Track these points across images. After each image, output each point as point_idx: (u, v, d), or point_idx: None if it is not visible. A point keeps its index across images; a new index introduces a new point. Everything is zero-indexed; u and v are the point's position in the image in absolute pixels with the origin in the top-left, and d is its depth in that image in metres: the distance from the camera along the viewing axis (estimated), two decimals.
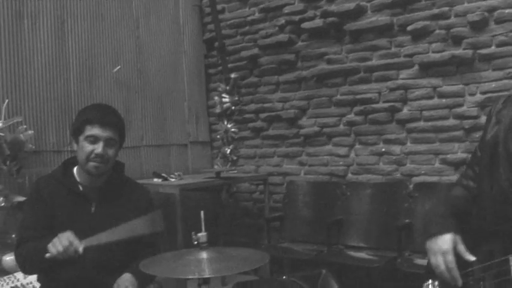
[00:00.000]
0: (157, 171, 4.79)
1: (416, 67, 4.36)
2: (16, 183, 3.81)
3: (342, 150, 4.83)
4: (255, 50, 5.34)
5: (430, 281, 1.97)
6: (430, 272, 2.00)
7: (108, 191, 2.50)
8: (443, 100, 4.24)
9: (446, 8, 4.16)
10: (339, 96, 4.81)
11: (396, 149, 4.52)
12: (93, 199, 2.47)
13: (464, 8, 4.07)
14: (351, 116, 4.76)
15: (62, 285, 2.40)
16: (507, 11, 3.90)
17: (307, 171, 5.08)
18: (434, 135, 4.31)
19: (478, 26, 4.01)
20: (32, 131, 3.87)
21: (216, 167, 5.55)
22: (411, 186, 4.37)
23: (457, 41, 4.12)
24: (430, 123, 4.32)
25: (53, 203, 2.43)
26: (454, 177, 4.17)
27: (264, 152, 5.40)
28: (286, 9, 5.04)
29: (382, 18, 4.48)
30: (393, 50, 4.48)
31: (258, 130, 5.42)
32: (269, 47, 5.23)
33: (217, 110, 5.59)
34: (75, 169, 2.55)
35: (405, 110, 4.45)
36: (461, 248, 1.86)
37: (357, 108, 4.71)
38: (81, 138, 2.42)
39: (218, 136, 5.67)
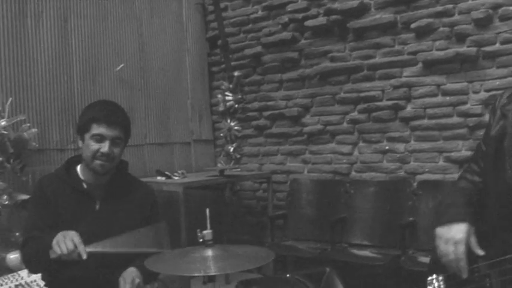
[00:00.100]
0: (160, 169, 4.79)
1: (420, 65, 4.35)
2: (20, 181, 3.81)
3: (346, 148, 4.82)
4: (258, 48, 5.33)
5: (434, 276, 1.95)
6: (433, 267, 1.99)
7: (113, 188, 2.50)
8: (447, 98, 4.23)
9: (450, 6, 4.14)
10: (342, 94, 4.81)
11: (400, 147, 4.51)
12: (97, 197, 2.46)
13: (469, 5, 4.06)
14: (355, 114, 4.75)
15: (66, 284, 2.39)
16: None
17: (311, 170, 5.07)
18: (438, 133, 4.30)
19: (482, 24, 4.00)
20: (36, 129, 3.88)
21: (219, 165, 5.54)
22: (415, 184, 4.36)
23: (461, 38, 4.11)
24: (434, 121, 4.31)
25: (57, 202, 2.42)
26: (457, 176, 4.13)
27: (267, 150, 5.40)
28: (290, 7, 5.03)
29: (385, 16, 4.47)
30: (397, 47, 4.47)
31: (261, 128, 5.41)
32: (272, 45, 5.23)
33: (221, 108, 5.59)
34: (78, 167, 2.54)
35: (409, 108, 4.44)
36: (473, 240, 1.83)
37: (360, 106, 4.70)
38: (87, 136, 2.41)
39: (221, 134, 5.67)
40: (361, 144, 4.75)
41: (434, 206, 4.13)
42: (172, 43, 5.37)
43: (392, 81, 4.49)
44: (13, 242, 3.60)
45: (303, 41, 5.05)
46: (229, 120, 5.57)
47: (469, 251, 1.82)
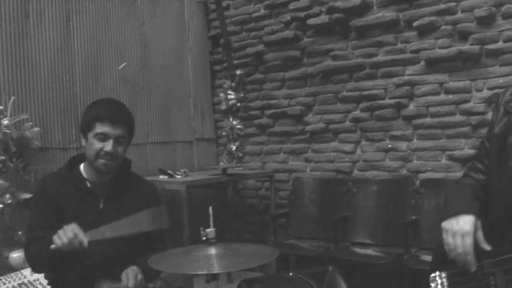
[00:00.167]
0: (162, 168, 4.79)
1: (422, 63, 4.34)
2: (22, 180, 3.81)
3: (348, 147, 4.82)
4: (261, 47, 5.33)
5: (437, 273, 1.95)
6: (436, 264, 1.98)
7: (116, 187, 2.49)
8: (450, 96, 4.22)
9: (453, 4, 4.13)
10: (344, 93, 4.80)
11: (402, 145, 4.50)
12: (101, 195, 2.46)
13: (471, 3, 4.04)
14: (357, 113, 4.74)
15: (70, 283, 2.39)
16: None
17: (313, 168, 5.07)
18: (440, 132, 4.29)
19: (485, 21, 3.99)
20: (38, 128, 3.87)
21: (221, 164, 5.54)
22: (418, 182, 4.36)
23: (463, 36, 4.10)
24: (436, 120, 4.30)
25: (60, 201, 2.41)
26: (460, 174, 4.12)
27: (269, 148, 5.39)
28: (292, 6, 5.03)
29: (388, 14, 4.47)
30: (399, 46, 4.46)
31: (263, 127, 5.41)
32: (274, 44, 5.22)
33: (223, 106, 5.58)
34: (81, 166, 2.53)
35: (411, 106, 4.43)
36: (480, 234, 1.82)
37: (362, 105, 4.69)
38: (91, 135, 2.39)
39: (224, 133, 5.66)
40: (363, 142, 4.74)
41: (437, 205, 4.12)
42: (174, 42, 5.37)
43: (395, 80, 4.48)
44: (16, 240, 3.61)
45: (305, 40, 5.04)
46: (231, 119, 5.57)
47: (476, 247, 1.81)
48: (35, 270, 2.58)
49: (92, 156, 2.40)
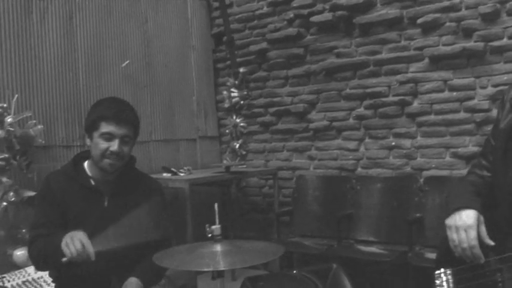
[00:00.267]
0: (166, 166, 4.79)
1: (426, 60, 4.33)
2: (26, 178, 3.81)
3: (352, 144, 4.81)
4: (264, 44, 5.32)
5: (442, 270, 1.94)
6: (441, 261, 1.98)
7: (121, 184, 2.49)
8: (454, 93, 4.21)
9: (457, 0, 4.12)
10: (348, 90, 4.79)
11: (406, 142, 4.49)
12: (105, 193, 2.45)
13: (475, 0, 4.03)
14: (361, 110, 4.73)
15: (73, 280, 2.39)
16: None
17: (317, 166, 5.06)
18: (445, 129, 4.28)
19: (490, 18, 3.97)
20: (42, 126, 3.87)
21: (225, 161, 5.53)
22: (422, 180, 4.34)
23: (468, 33, 4.09)
24: (440, 117, 4.29)
25: (65, 199, 2.41)
26: (464, 171, 4.10)
27: (273, 146, 5.39)
28: (295, 3, 5.01)
29: (391, 11, 4.45)
30: (403, 43, 4.45)
31: (267, 124, 5.40)
32: (278, 41, 5.21)
33: (226, 104, 5.57)
34: (85, 163, 2.53)
35: (415, 104, 4.42)
36: (483, 229, 1.81)
37: (366, 102, 4.68)
38: (96, 134, 2.38)
39: (227, 131, 5.65)
40: (367, 140, 4.73)
41: (441, 202, 4.11)
42: (177, 40, 5.36)
43: (399, 77, 4.47)
44: (19, 238, 3.61)
45: (308, 37, 5.03)
46: (234, 117, 5.56)
47: (480, 242, 1.80)
48: (39, 268, 2.57)
49: (98, 156, 2.38)
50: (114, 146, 2.36)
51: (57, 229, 2.31)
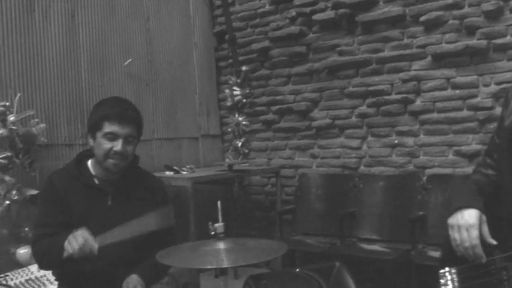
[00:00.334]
0: (168, 164, 4.78)
1: (429, 58, 4.32)
2: (28, 176, 3.80)
3: (354, 143, 4.80)
4: (266, 43, 5.31)
5: (447, 269, 1.93)
6: (445, 259, 1.97)
7: (125, 183, 2.48)
8: (457, 91, 4.20)
9: None
10: (350, 88, 4.78)
11: (409, 140, 4.48)
12: (109, 192, 2.44)
13: None
14: (363, 108, 4.73)
15: (77, 279, 2.38)
16: None
17: (319, 164, 5.06)
18: (447, 127, 4.27)
19: (493, 16, 3.96)
20: (44, 125, 3.86)
21: (227, 160, 5.53)
22: (424, 178, 4.33)
23: (471, 31, 4.08)
24: (443, 115, 4.28)
25: (68, 198, 2.39)
26: (468, 169, 4.14)
27: (275, 144, 5.38)
28: (297, 1, 5.01)
29: (394, 9, 4.44)
30: (406, 41, 4.44)
31: (269, 123, 5.40)
32: (280, 39, 5.20)
33: (228, 103, 5.57)
34: (89, 162, 2.51)
35: (418, 102, 4.41)
36: (485, 229, 1.81)
37: (369, 100, 4.68)
38: (99, 134, 2.36)
39: (229, 129, 5.65)
40: (370, 138, 4.73)
41: (444, 200, 4.11)
42: (180, 38, 5.36)
43: (401, 75, 4.46)
44: (22, 237, 3.61)
45: (311, 35, 5.02)
46: (237, 115, 5.56)
47: (482, 241, 1.79)
48: (43, 267, 2.57)
49: (101, 156, 2.37)
50: (118, 146, 2.34)
51: (60, 228, 2.30)
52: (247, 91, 5.46)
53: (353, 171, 4.81)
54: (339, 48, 4.81)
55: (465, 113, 4.17)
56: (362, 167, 4.77)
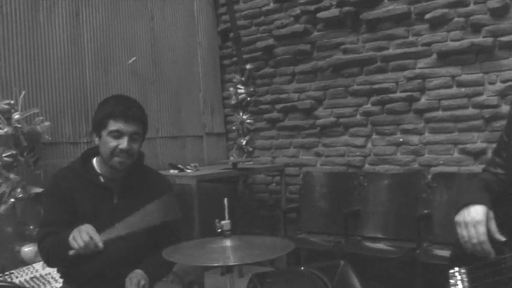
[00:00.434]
0: (173, 162, 4.78)
1: (434, 56, 4.30)
2: (33, 174, 3.80)
3: (359, 141, 4.79)
4: (270, 41, 5.31)
5: (456, 268, 1.92)
6: (455, 259, 1.96)
7: (130, 181, 2.47)
8: (462, 89, 4.19)
9: None
10: (355, 86, 4.77)
11: (414, 139, 4.47)
12: (115, 190, 2.43)
13: None
14: (368, 106, 4.72)
15: (82, 276, 2.38)
16: None
17: (324, 162, 5.05)
18: (453, 125, 4.26)
19: (499, 13, 3.94)
20: (49, 123, 3.87)
21: (231, 158, 5.52)
22: (429, 176, 4.32)
23: (476, 28, 4.06)
24: (448, 113, 4.27)
25: (74, 196, 2.39)
26: (473, 168, 4.13)
27: (280, 143, 5.37)
28: None
29: (399, 7, 4.43)
30: (410, 38, 4.43)
31: (273, 121, 5.39)
32: (284, 38, 5.20)
33: (233, 101, 5.56)
34: (94, 160, 2.51)
35: (423, 100, 4.40)
36: (493, 225, 1.79)
37: (373, 98, 4.67)
38: (104, 133, 2.35)
39: (233, 127, 5.64)
40: (374, 136, 4.72)
41: (449, 199, 4.10)
42: (184, 36, 5.36)
43: (406, 73, 4.45)
44: (27, 235, 3.61)
45: (315, 33, 5.02)
46: (241, 113, 5.55)
47: (491, 239, 1.78)
48: (49, 265, 2.56)
49: (107, 155, 2.36)
50: (123, 143, 2.33)
51: (66, 226, 2.30)
52: (252, 89, 5.45)
53: (357, 170, 4.80)
54: (343, 46, 4.80)
55: (470, 111, 4.16)
56: (367, 165, 4.77)
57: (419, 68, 4.39)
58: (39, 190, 3.61)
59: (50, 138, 3.90)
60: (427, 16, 4.26)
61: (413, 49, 4.40)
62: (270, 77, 5.38)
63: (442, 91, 4.28)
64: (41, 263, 3.22)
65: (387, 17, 4.50)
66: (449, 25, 4.19)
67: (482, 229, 1.77)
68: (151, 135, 4.88)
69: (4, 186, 3.53)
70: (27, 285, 3.10)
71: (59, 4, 4.20)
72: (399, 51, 4.47)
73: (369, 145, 4.75)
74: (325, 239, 4.57)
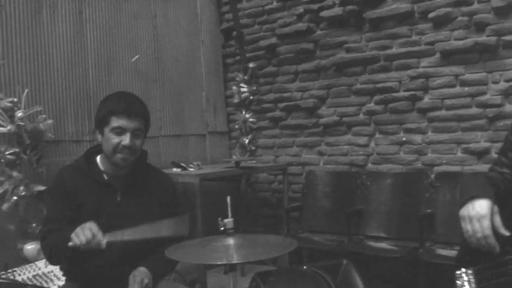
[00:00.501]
0: (175, 161, 4.78)
1: (437, 55, 4.30)
2: (36, 172, 3.80)
3: (362, 140, 4.79)
4: (273, 39, 5.30)
5: (463, 269, 1.91)
6: (462, 260, 1.95)
7: (133, 179, 2.47)
8: (466, 88, 4.18)
9: None
10: (358, 85, 4.77)
11: (417, 138, 4.46)
12: (118, 188, 2.43)
13: None
14: (371, 105, 4.71)
15: (86, 276, 2.38)
16: None
17: (327, 161, 5.04)
18: (456, 124, 4.25)
19: (503, 12, 3.93)
20: (52, 121, 3.87)
21: (234, 157, 5.52)
22: (432, 176, 4.32)
23: (480, 27, 4.05)
24: (452, 112, 4.26)
25: (77, 194, 2.39)
26: (476, 167, 4.13)
27: (282, 141, 5.37)
28: None
29: (402, 6, 4.42)
30: (414, 37, 4.42)
31: (276, 120, 5.39)
32: (287, 36, 5.19)
33: (235, 100, 5.56)
34: (98, 158, 2.51)
35: (426, 99, 4.39)
36: (498, 219, 1.77)
37: (376, 97, 4.66)
38: (107, 129, 2.36)
39: (236, 126, 5.65)
40: (377, 135, 4.71)
41: (453, 198, 4.09)
42: (187, 35, 5.35)
43: (410, 72, 4.44)
44: (30, 233, 3.61)
45: (318, 32, 5.01)
46: (244, 112, 5.55)
47: (496, 233, 1.77)
48: (52, 263, 2.56)
49: (110, 151, 2.36)
50: (126, 139, 2.34)
51: (69, 224, 2.29)
52: (255, 88, 5.45)
53: (360, 169, 4.79)
54: (346, 45, 4.79)
55: (474, 110, 4.15)
56: (370, 165, 4.76)
57: (423, 67, 4.38)
58: (42, 188, 3.61)
59: (53, 136, 3.91)
60: (431, 15, 4.25)
61: (416, 48, 4.39)
62: (273, 75, 5.38)
63: (446, 90, 4.27)
64: (44, 260, 3.22)
65: (390, 15, 4.49)
66: (453, 24, 4.18)
67: (486, 223, 1.75)
68: (154, 133, 4.88)
69: (7, 184, 3.53)
70: (30, 283, 3.10)
71: (62, 3, 4.21)
72: (402, 50, 4.46)
73: (372, 144, 4.74)
74: (328, 238, 4.57)
